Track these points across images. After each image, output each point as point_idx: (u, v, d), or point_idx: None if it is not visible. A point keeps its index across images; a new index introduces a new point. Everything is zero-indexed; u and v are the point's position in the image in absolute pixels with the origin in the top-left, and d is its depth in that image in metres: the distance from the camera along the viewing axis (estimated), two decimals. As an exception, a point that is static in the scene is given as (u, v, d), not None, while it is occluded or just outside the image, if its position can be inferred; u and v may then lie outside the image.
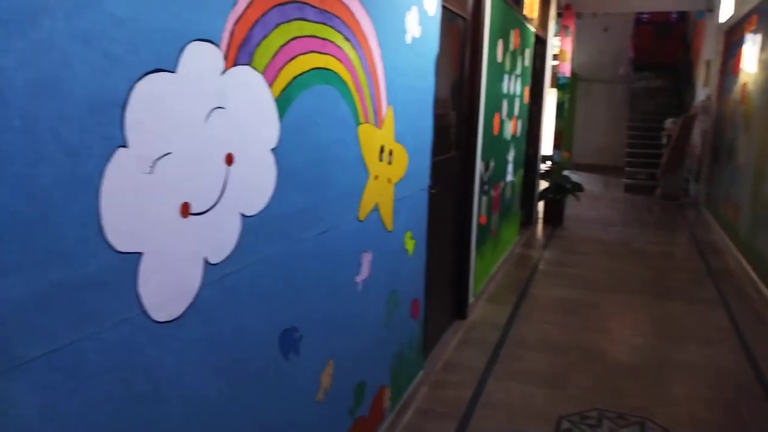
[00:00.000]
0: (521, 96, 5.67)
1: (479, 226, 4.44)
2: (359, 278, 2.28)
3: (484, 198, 4.55)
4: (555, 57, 10.65)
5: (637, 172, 11.07)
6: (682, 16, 13.21)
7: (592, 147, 14.17)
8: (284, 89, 1.66)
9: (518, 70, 5.36)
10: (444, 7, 3.22)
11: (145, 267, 1.22)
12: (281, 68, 1.64)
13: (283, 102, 1.66)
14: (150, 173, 1.21)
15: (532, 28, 5.90)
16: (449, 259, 3.98)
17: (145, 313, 1.24)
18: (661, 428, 2.93)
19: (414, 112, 2.73)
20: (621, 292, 5.01)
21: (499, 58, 4.51)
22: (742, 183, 6.01)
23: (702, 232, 7.46)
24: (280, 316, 1.75)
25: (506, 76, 4.85)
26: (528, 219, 7.46)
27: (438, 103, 3.53)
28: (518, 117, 5.63)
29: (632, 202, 9.56)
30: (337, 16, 1.92)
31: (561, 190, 7.54)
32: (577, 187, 7.62)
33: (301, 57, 1.73)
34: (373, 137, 2.27)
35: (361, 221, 2.24)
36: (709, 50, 9.49)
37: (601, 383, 3.38)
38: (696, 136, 9.46)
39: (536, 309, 4.55)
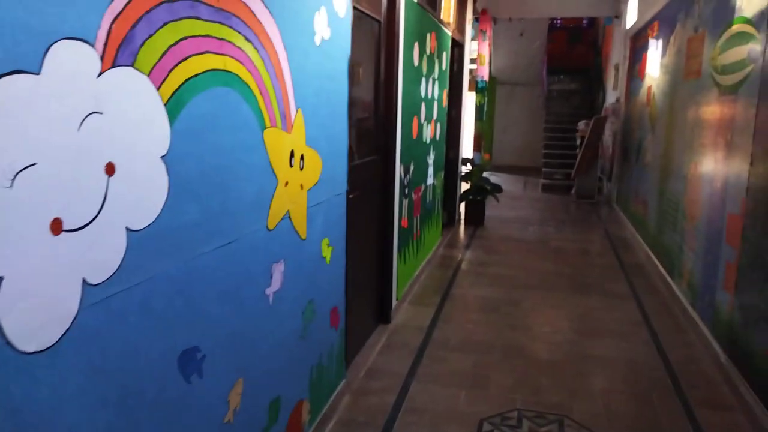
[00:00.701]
0: (439, 99, 5.69)
1: (401, 229, 4.41)
2: (270, 290, 2.17)
3: (405, 201, 4.52)
4: (473, 61, 10.84)
5: (553, 172, 11.42)
6: (592, 22, 13.77)
7: (511, 148, 14.54)
8: (175, 92, 1.53)
9: (436, 74, 5.37)
10: (355, 9, 3.15)
11: (6, 293, 1.08)
12: (171, 70, 1.51)
13: (174, 106, 1.53)
14: (9, 187, 1.07)
15: (448, 32, 5.94)
16: (371, 264, 3.91)
17: (9, 344, 1.09)
18: (579, 425, 2.96)
19: (327, 116, 2.64)
20: (540, 288, 5.10)
21: (416, 62, 4.49)
22: (649, 181, 6.28)
23: (615, 228, 7.75)
24: (178, 336, 1.61)
25: (424, 80, 4.84)
26: (451, 220, 7.52)
27: (355, 106, 3.46)
28: (437, 120, 5.64)
29: (549, 202, 9.83)
30: (236, 16, 1.81)
31: (481, 192, 7.65)
32: (497, 189, 7.75)
33: (195, 58, 1.61)
34: (281, 142, 2.16)
35: (270, 230, 2.13)
36: (617, 55, 9.91)
37: (522, 381, 3.39)
38: (607, 137, 9.86)
39: (459, 309, 4.55)
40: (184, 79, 1.57)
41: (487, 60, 10.59)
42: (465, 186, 7.89)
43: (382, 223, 4.02)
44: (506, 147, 14.56)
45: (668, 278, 5.00)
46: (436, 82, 5.43)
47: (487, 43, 10.41)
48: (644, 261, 6.01)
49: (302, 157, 2.37)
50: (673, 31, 5.50)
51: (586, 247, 6.70)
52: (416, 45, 4.45)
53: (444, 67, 5.82)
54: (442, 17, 5.98)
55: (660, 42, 6.18)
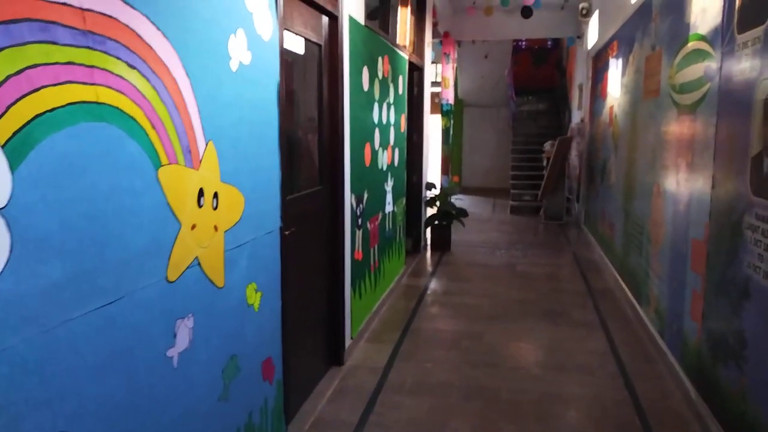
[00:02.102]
0: (397, 124, 5.47)
1: (354, 262, 4.14)
2: (174, 351, 1.88)
3: (359, 232, 4.26)
4: (438, 84, 10.73)
5: (522, 194, 11.29)
6: (557, 42, 13.81)
7: (480, 170, 14.43)
8: (18, 131, 1.26)
9: (391, 98, 5.16)
10: (288, 32, 2.91)
11: None
12: (11, 105, 1.24)
13: (17, 147, 1.26)
14: None
15: (405, 56, 5.76)
16: (320, 303, 3.63)
17: None
18: (540, 477, 2.70)
19: (250, 148, 2.38)
20: (504, 319, 4.86)
21: (366, 87, 4.27)
22: (614, 202, 6.12)
23: (583, 250, 7.58)
24: (35, 422, 1.32)
25: (376, 105, 4.62)
26: (416, 247, 7.28)
27: (292, 135, 3.21)
28: (395, 146, 5.42)
29: (518, 224, 9.66)
30: (113, 40, 1.55)
31: (446, 217, 7.43)
32: (462, 213, 7.54)
33: (50, 89, 1.34)
34: (184, 180, 1.90)
35: (172, 282, 1.85)
36: (580, 75, 9.86)
37: (481, 427, 3.12)
38: (574, 157, 9.75)
39: (418, 345, 4.28)
40: (33, 115, 1.30)
41: (451, 83, 10.50)
42: (431, 211, 7.67)
43: (332, 258, 3.75)
44: (475, 169, 14.45)
45: (636, 304, 4.80)
46: (392, 107, 5.22)
47: (451, 66, 10.32)
48: (612, 285, 5.82)
49: (216, 196, 2.10)
50: (632, 50, 5.38)
51: (553, 272, 6.49)
52: (365, 69, 4.24)
53: (401, 91, 5.61)
54: (397, 41, 5.80)
55: (620, 61, 6.07)
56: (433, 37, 8.62)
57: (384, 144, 4.98)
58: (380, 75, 4.72)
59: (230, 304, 2.25)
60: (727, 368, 2.77)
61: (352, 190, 4.02)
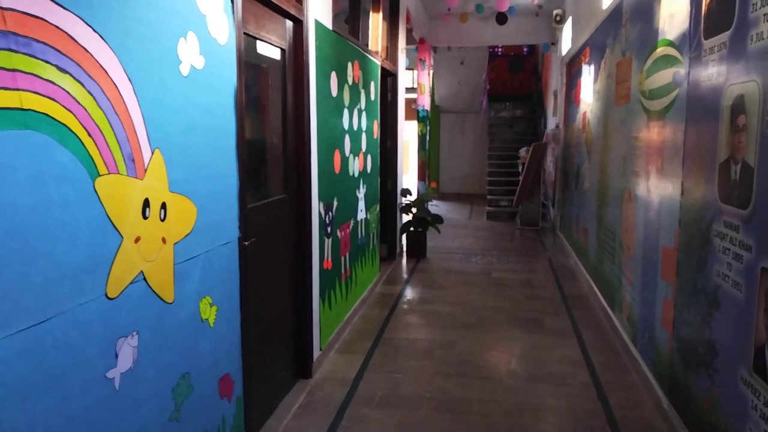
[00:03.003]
0: (368, 131, 5.39)
1: (323, 272, 4.03)
2: (116, 372, 1.76)
3: (329, 241, 4.16)
4: (414, 90, 10.68)
5: (498, 199, 11.26)
6: (533, 49, 13.86)
7: (457, 176, 14.40)
8: None
9: (362, 105, 5.08)
10: (248, 36, 2.81)
11: None
12: None
13: None
14: None
15: (377, 61, 5.68)
16: (287, 314, 3.52)
17: None
18: (509, 493, 2.61)
19: (204, 156, 2.27)
20: (477, 327, 4.78)
21: (334, 92, 4.18)
22: (588, 208, 6.09)
23: (559, 256, 7.55)
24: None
25: (346, 111, 4.53)
26: (391, 254, 7.19)
27: (253, 141, 3.11)
28: (367, 152, 5.33)
29: (494, 230, 9.63)
30: (40, 42, 1.44)
31: (422, 223, 7.35)
32: (437, 219, 7.47)
33: (-39, 93, 1.23)
34: (126, 190, 1.78)
35: (112, 299, 1.73)
36: (555, 81, 9.88)
37: (450, 442, 3.03)
38: (549, 163, 9.75)
39: (390, 356, 4.18)
40: (-61, 121, 1.19)
41: (427, 89, 10.45)
42: (407, 217, 7.59)
43: (298, 268, 3.64)
44: (453, 175, 14.42)
45: (610, 311, 4.75)
46: (363, 113, 5.13)
47: (426, 72, 10.27)
48: (587, 292, 5.78)
49: (163, 206, 1.99)
50: (604, 56, 5.36)
51: (528, 278, 6.44)
52: (334, 75, 4.15)
53: (373, 97, 5.53)
54: (369, 46, 5.73)
55: (592, 67, 6.05)
56: (408, 43, 8.57)
57: (355, 150, 4.88)
58: (350, 81, 4.63)
59: (181, 320, 2.13)
60: (699, 378, 2.72)
61: (320, 198, 3.91)
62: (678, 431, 2.94)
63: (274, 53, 3.29)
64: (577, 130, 7.13)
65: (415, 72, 10.45)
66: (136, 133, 1.83)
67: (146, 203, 1.89)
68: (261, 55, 3.17)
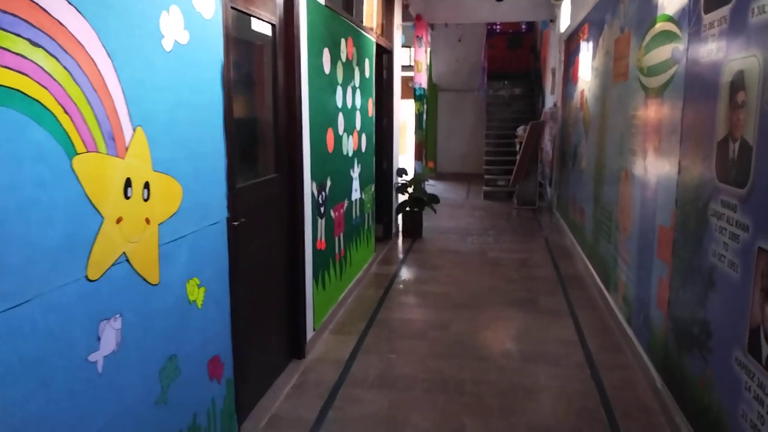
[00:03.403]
0: (363, 109, 5.31)
1: (317, 252, 4.00)
2: (98, 355, 1.73)
3: (322, 221, 4.11)
4: (411, 68, 10.56)
5: (496, 179, 11.21)
6: (531, 26, 13.69)
7: (455, 156, 14.31)
8: None
9: (356, 82, 5.00)
10: (235, 9, 2.74)
11: None
12: None
13: None
14: None
15: (372, 38, 5.58)
16: (279, 295, 3.49)
17: None
18: (501, 474, 2.61)
19: (190, 133, 2.22)
20: (472, 307, 4.77)
21: (327, 69, 4.10)
22: (585, 188, 6.05)
23: (555, 236, 7.52)
24: None
25: (340, 89, 4.46)
26: (387, 234, 7.15)
27: (244, 119, 3.06)
28: (361, 131, 5.27)
29: (491, 209, 9.59)
30: (12, 14, 1.38)
31: (418, 203, 7.31)
32: (434, 199, 7.42)
33: (-75, 67, 1.18)
34: (106, 169, 1.73)
35: (94, 281, 1.70)
36: (553, 59, 9.76)
37: (442, 425, 3.02)
38: (547, 141, 9.68)
39: (383, 336, 4.17)
40: None
41: (424, 66, 10.33)
42: (403, 197, 7.54)
43: (291, 249, 3.61)
44: (450, 154, 14.32)
45: (605, 291, 4.74)
46: (358, 91, 5.06)
47: (423, 49, 10.14)
48: (583, 272, 5.76)
49: (147, 185, 1.94)
50: (602, 32, 5.28)
51: (524, 258, 6.41)
52: (326, 51, 4.07)
53: (367, 74, 5.45)
54: (364, 23, 5.63)
55: (590, 44, 5.97)
56: (405, 20, 8.44)
57: (349, 129, 4.82)
58: (344, 57, 4.55)
59: (167, 302, 2.09)
60: (693, 359, 2.70)
61: (313, 178, 3.86)
62: (671, 412, 2.93)
63: (264, 28, 3.22)
64: (574, 108, 7.05)
65: (413, 49, 10.31)
66: (116, 110, 1.77)
67: (128, 183, 1.84)
68: (250, 30, 3.10)
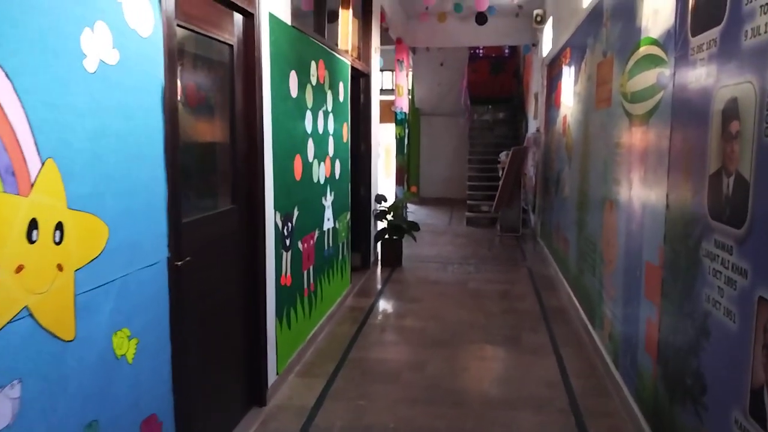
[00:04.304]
0: (337, 134, 5.10)
1: (281, 288, 3.73)
2: (-16, 432, 1.45)
3: (287, 254, 3.85)
4: (390, 92, 10.42)
5: (479, 204, 11.03)
6: (514, 51, 13.66)
7: (438, 180, 14.15)
8: None
9: (329, 106, 4.78)
10: (184, 28, 2.51)
11: None
12: None
13: None
14: None
15: (346, 61, 5.39)
16: (235, 338, 3.21)
17: None
18: None
19: (119, 165, 1.97)
20: (450, 345, 4.50)
21: (294, 93, 3.88)
22: (568, 216, 5.85)
23: (539, 265, 7.30)
24: None
25: (309, 113, 4.24)
26: (365, 263, 6.90)
27: (195, 147, 2.82)
28: (335, 157, 5.04)
29: (473, 236, 9.37)
30: None
31: (397, 231, 7.07)
32: (413, 227, 7.20)
33: None
34: (1, 210, 1.48)
35: (-20, 343, 1.43)
36: (536, 84, 9.67)
37: (412, 482, 2.75)
38: (530, 167, 9.54)
39: (354, 379, 3.89)
40: None
41: (405, 90, 10.19)
42: (382, 225, 7.30)
43: (249, 287, 3.34)
44: (433, 179, 14.16)
45: (590, 327, 4.51)
46: (330, 115, 4.84)
47: (404, 73, 10.01)
48: (567, 304, 5.53)
49: (60, 227, 1.68)
50: (584, 56, 5.13)
51: (506, 289, 6.18)
52: (293, 74, 3.85)
53: (341, 98, 5.24)
54: (339, 45, 5.45)
55: (573, 69, 5.82)
56: (385, 43, 8.30)
57: (321, 155, 4.59)
58: (314, 81, 4.33)
59: (86, 360, 1.82)
60: (686, 413, 2.46)
61: (277, 208, 3.61)
62: (663, 469, 2.68)
63: (220, 50, 2.99)
64: (557, 133, 6.90)
65: (394, 73, 10.18)
66: (18, 140, 1.52)
67: (33, 224, 1.58)
68: (203, 50, 2.87)
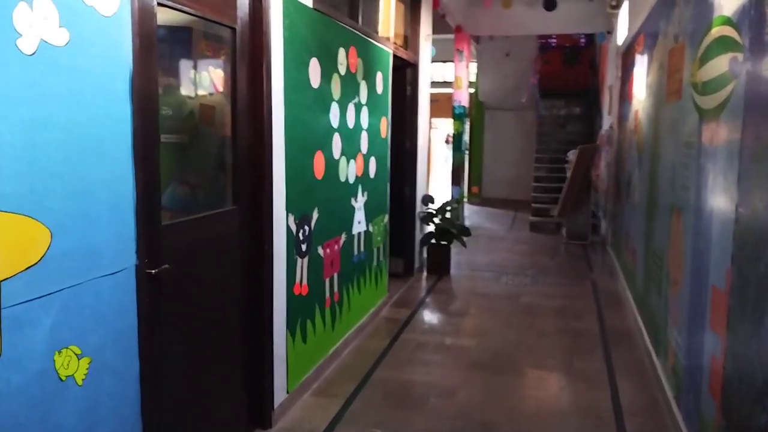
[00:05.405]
0: (373, 129, 4.88)
1: (294, 298, 3.55)
2: None
3: (303, 260, 3.67)
4: (447, 84, 10.12)
5: (545, 208, 10.56)
6: (591, 40, 13.04)
7: (502, 180, 13.72)
8: None
9: (362, 98, 4.57)
10: (165, 6, 2.35)
11: None
12: None
13: None
14: None
15: (386, 49, 5.16)
16: (235, 354, 3.05)
17: None
18: None
19: (68, 160, 1.82)
20: (490, 368, 4.20)
21: (315, 83, 3.69)
22: (637, 224, 5.41)
23: (605, 279, 6.85)
24: None
25: (335, 105, 4.04)
26: (409, 270, 6.65)
27: (184, 142, 2.67)
28: (369, 154, 4.83)
29: (536, 243, 8.95)
30: None
31: (446, 235, 6.79)
32: (464, 231, 6.90)
33: None
34: None
35: None
36: (611, 75, 9.13)
37: None
38: (603, 168, 9.02)
39: (374, 403, 3.66)
40: None
41: (465, 82, 9.87)
42: (429, 228, 7.03)
43: (252, 297, 3.17)
44: (497, 179, 13.73)
45: (653, 355, 4.10)
46: (364, 108, 4.63)
47: (464, 63, 9.69)
48: (632, 326, 5.10)
49: (-22, 231, 1.54)
50: (656, 43, 4.70)
51: (563, 306, 5.78)
52: (314, 62, 3.66)
53: (380, 90, 5.02)
54: (380, 32, 5.23)
55: (645, 57, 5.37)
56: (442, 32, 8.04)
57: (350, 152, 4.38)
58: (342, 70, 4.13)
59: (14, 383, 1.67)
60: (749, 477, 2.10)
61: (290, 209, 3.43)
62: None
63: (219, 32, 2.83)
64: (629, 131, 6.43)
65: (454, 64, 9.86)
66: None
67: (-60, 228, 1.44)
68: (197, 34, 2.72)
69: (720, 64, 2.72)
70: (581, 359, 4.41)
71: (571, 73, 13.37)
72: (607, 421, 3.46)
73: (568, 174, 9.32)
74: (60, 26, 1.77)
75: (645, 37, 5.43)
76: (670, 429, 3.33)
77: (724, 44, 2.66)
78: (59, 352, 1.83)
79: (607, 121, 9.35)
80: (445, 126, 11.43)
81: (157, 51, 2.26)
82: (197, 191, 3.06)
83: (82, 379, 1.93)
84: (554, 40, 13.23)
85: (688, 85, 3.37)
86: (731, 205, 2.44)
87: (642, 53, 5.58)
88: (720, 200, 2.64)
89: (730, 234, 2.44)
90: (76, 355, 1.89)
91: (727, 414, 2.39)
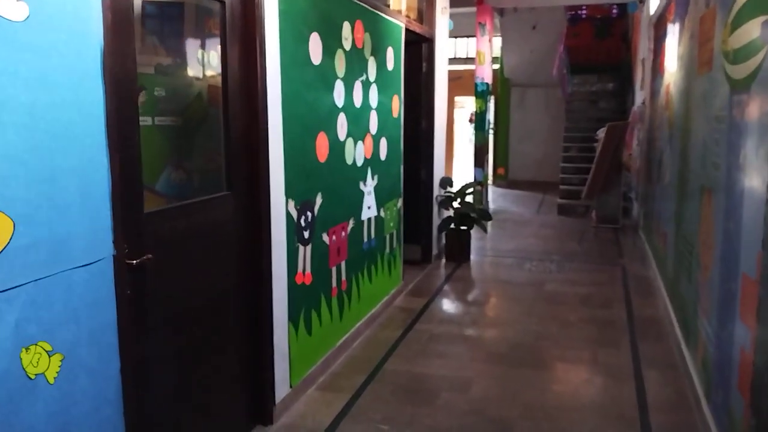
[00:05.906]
0: (384, 108, 4.77)
1: (296, 288, 3.48)
2: None
3: (306, 248, 3.60)
4: (469, 60, 9.92)
5: (575, 190, 10.34)
6: (623, 11, 12.69)
7: (529, 161, 13.51)
8: None
9: (370, 76, 4.46)
10: (142, -20, 2.27)
11: None
12: None
13: None
14: None
15: (398, 22, 5.04)
16: (233, 347, 3.00)
17: None
18: None
19: (31, 145, 1.75)
20: (507, 361, 4.10)
21: (317, 59, 3.59)
22: (668, 207, 5.23)
23: (636, 265, 6.68)
24: None
25: (340, 83, 3.93)
26: (426, 257, 6.56)
27: (171, 123, 2.60)
28: (379, 135, 4.72)
29: (563, 227, 8.79)
30: None
31: (465, 220, 6.67)
32: (484, 216, 6.78)
33: None
34: None
35: None
36: (643, 48, 8.86)
37: None
38: (635, 146, 8.79)
39: (382, 397, 3.59)
40: None
41: (487, 58, 9.65)
42: (448, 213, 6.92)
43: (249, 287, 3.11)
44: (524, 160, 13.51)
45: (683, 345, 3.96)
46: (373, 86, 4.52)
47: (487, 38, 9.48)
48: (662, 314, 4.95)
49: (-73, 222, 1.49)
50: (687, 10, 4.49)
51: (589, 293, 5.64)
52: (315, 37, 3.56)
53: (391, 66, 4.91)
54: (391, 5, 5.11)
55: (677, 27, 5.16)
56: (462, 5, 7.87)
57: (358, 133, 4.29)
58: (347, 45, 4.02)
59: (-26, 383, 1.63)
60: (779, 483, 1.98)
61: (290, 195, 3.36)
62: None
63: (211, 5, 2.75)
64: (660, 107, 6.22)
65: (476, 39, 9.66)
66: None
67: None
68: (180, 7, 2.64)
69: (752, 29, 2.55)
70: (606, 351, 4.28)
71: (602, 46, 13.04)
72: (630, 419, 3.35)
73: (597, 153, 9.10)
74: (18, 0, 1.70)
75: (676, 4, 5.22)
76: (699, 427, 3.20)
77: (757, 5, 2.50)
78: (27, 349, 1.78)
79: (640, 96, 9.10)
80: (471, 104, 11.21)
81: (133, 27, 2.19)
82: (193, 176, 3.01)
83: (54, 378, 1.88)
84: (584, 11, 12.90)
85: (719, 54, 3.20)
86: (762, 184, 2.30)
87: (673, 22, 5.37)
88: (751, 179, 2.49)
89: (761, 216, 2.30)
90: (46, 351, 1.84)
91: (756, 411, 2.27)
